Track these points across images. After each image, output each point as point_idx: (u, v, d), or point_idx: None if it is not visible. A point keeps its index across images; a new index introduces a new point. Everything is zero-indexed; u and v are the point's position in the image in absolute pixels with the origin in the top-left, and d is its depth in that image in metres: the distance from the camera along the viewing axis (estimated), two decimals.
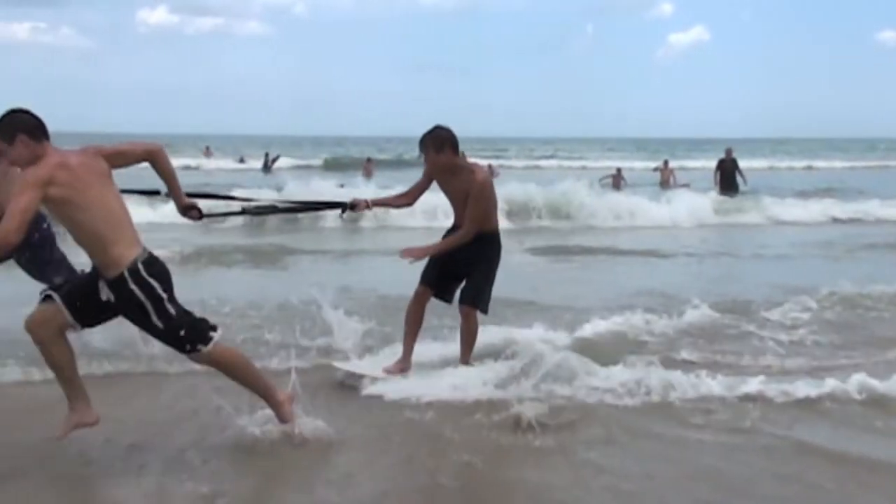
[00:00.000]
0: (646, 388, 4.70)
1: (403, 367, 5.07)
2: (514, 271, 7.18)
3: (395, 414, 4.45)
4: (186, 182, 4.28)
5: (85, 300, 3.64)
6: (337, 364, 5.21)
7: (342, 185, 16.50)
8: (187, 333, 3.66)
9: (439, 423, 4.29)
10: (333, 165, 36.57)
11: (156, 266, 3.62)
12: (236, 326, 5.84)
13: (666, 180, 24.48)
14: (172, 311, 3.62)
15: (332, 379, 5.03)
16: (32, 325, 3.61)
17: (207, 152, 41.27)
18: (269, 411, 3.93)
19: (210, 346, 3.69)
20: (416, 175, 5.29)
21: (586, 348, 5.42)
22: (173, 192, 4.08)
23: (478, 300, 5.01)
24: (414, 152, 50.58)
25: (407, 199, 5.24)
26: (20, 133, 3.49)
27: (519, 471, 3.83)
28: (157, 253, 3.71)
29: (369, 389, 4.82)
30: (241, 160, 38.45)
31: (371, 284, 7.69)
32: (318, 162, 39.15)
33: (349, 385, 4.94)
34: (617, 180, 23.65)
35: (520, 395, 4.54)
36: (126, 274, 3.52)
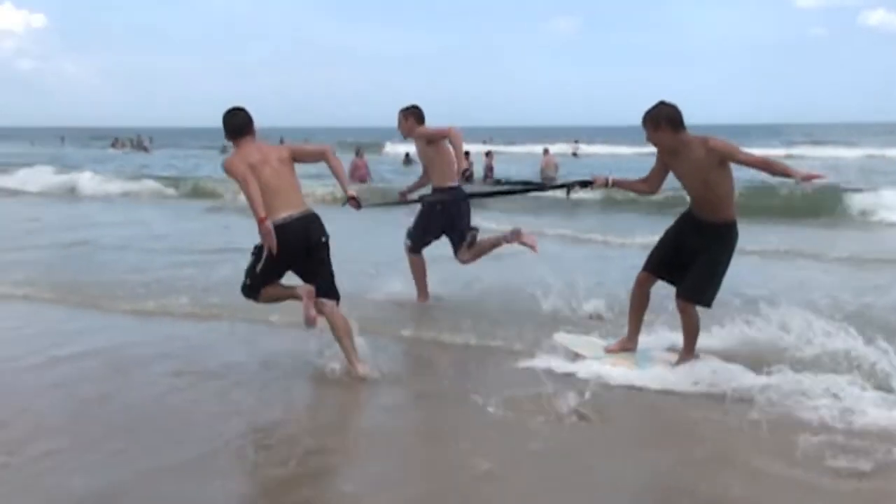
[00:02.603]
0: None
1: (627, 346, 5.05)
2: None
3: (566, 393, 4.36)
4: None
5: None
6: (557, 337, 5.26)
7: None
8: (245, 283, 4.94)
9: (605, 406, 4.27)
10: None
11: (285, 229, 4.69)
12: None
13: None
14: (255, 266, 4.80)
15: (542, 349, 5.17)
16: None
17: None
18: None
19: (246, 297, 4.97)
20: None
21: None
22: (340, 184, 5.07)
23: (694, 294, 4.72)
24: None
25: (647, 186, 4.97)
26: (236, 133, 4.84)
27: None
28: None
29: (565, 367, 4.87)
30: None
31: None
32: None
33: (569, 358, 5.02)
34: None
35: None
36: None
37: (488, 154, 23.06)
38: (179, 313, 6.32)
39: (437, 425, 4.29)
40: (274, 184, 4.74)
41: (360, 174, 19.81)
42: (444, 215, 6.38)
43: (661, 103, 4.65)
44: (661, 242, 4.96)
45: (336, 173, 4.99)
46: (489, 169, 22.08)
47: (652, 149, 4.79)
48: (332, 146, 5.14)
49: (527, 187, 5.91)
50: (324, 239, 4.86)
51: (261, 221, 4.59)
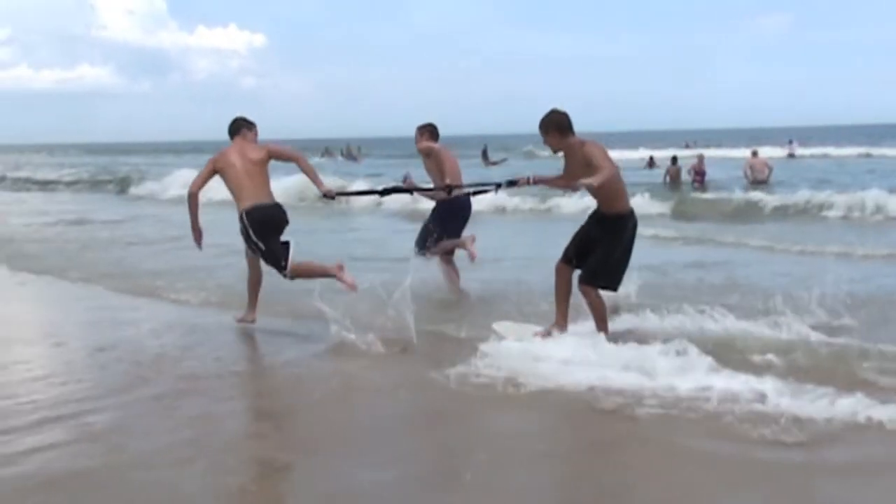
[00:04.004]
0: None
1: (551, 331, 5.40)
2: None
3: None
4: None
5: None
6: (494, 325, 5.66)
7: None
8: (267, 261, 5.91)
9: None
10: None
11: (254, 215, 5.78)
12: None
13: None
14: (261, 245, 5.78)
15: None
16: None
17: None
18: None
19: (287, 269, 5.81)
20: None
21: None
22: (313, 183, 6.05)
23: (589, 278, 5.22)
24: None
25: (568, 182, 5.40)
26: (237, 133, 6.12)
27: None
28: None
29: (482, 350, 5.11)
30: None
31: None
32: None
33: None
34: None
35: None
36: (243, 215, 5.83)
37: (700, 157, 22.04)
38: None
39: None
40: (243, 177, 5.81)
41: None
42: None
43: (552, 111, 5.19)
44: (574, 235, 5.45)
45: (307, 174, 5.96)
46: (698, 173, 21.02)
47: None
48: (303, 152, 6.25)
49: (475, 188, 6.80)
50: (287, 222, 5.90)
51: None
